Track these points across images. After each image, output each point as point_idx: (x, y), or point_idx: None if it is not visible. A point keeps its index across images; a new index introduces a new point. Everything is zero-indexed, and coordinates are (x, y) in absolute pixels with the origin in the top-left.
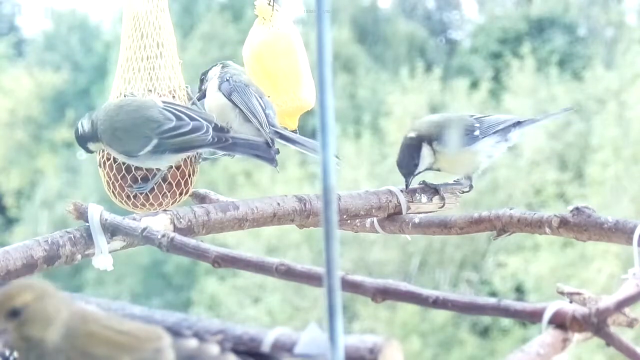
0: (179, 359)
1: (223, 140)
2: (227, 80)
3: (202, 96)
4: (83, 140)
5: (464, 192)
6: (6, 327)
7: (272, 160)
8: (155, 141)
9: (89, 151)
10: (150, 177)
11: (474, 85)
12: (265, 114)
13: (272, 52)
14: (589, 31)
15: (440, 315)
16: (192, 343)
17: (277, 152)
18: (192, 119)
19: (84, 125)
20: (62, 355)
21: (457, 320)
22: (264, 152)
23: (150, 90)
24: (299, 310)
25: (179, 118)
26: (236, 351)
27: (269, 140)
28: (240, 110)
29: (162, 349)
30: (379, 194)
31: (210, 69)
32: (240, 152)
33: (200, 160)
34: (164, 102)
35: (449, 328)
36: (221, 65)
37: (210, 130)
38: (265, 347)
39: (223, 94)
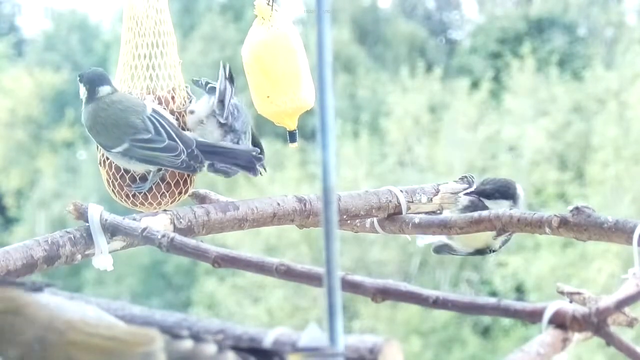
0: None
1: (191, 168)
2: None
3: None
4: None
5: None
6: None
7: (252, 169)
8: (126, 145)
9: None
10: (148, 177)
11: (474, 85)
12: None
13: (272, 52)
14: (589, 31)
15: (441, 315)
16: (187, 344)
17: (260, 160)
18: (170, 137)
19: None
20: None
21: (458, 319)
22: (244, 161)
23: (150, 89)
24: (299, 310)
25: (157, 132)
26: (238, 349)
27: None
28: None
29: (152, 352)
30: (378, 194)
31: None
32: (219, 168)
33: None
34: (154, 110)
35: (450, 327)
36: None
37: (184, 155)
38: (267, 345)
39: None
